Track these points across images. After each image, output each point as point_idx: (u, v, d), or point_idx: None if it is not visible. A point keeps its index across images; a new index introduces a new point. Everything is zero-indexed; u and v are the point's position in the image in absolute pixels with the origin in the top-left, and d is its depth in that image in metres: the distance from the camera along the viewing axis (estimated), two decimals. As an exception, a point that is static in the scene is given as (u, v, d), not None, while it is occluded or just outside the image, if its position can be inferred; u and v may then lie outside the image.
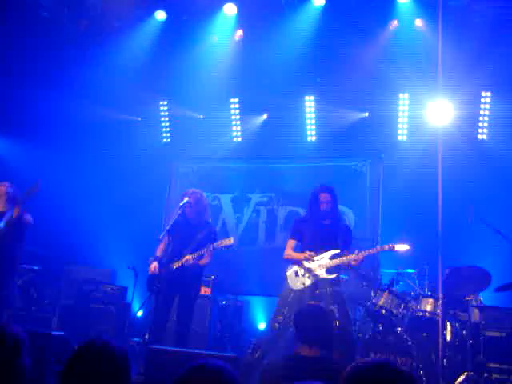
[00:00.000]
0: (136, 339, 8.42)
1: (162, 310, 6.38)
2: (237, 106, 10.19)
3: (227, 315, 9.00)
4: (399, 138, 9.33)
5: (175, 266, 6.41)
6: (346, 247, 6.25)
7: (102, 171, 9.90)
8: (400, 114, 9.31)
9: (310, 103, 9.80)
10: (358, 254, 6.00)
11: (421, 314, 6.66)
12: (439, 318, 6.64)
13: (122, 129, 10.00)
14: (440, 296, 7.01)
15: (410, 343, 6.37)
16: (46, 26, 8.87)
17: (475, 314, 6.69)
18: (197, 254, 6.36)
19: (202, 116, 10.43)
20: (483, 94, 8.78)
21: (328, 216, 6.27)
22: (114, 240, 9.38)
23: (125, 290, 8.75)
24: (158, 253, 6.60)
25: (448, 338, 6.63)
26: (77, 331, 7.08)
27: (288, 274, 6.25)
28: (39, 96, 9.37)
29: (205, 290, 8.71)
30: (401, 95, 9.26)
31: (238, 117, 10.23)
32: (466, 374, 6.12)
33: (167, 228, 6.08)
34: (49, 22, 8.87)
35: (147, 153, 10.02)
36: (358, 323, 7.28)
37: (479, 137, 8.82)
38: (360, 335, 6.74)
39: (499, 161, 8.21)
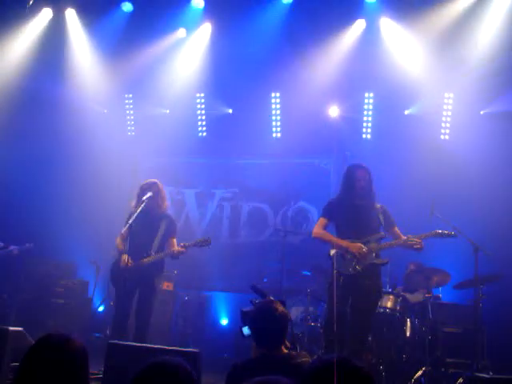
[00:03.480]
0: (97, 334, 8.33)
1: (125, 304, 6.25)
2: (202, 101, 10.15)
3: (190, 310, 8.98)
4: (363, 136, 9.42)
5: (146, 261, 6.29)
6: (388, 227, 5.84)
7: (64, 163, 9.71)
8: (365, 112, 9.40)
9: (275, 100, 9.82)
10: (410, 238, 5.60)
11: (381, 310, 6.76)
12: (399, 315, 6.78)
13: (87, 119, 9.82)
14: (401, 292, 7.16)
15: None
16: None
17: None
18: (174, 251, 6.31)
19: (167, 111, 10.36)
20: (446, 95, 8.93)
21: (365, 195, 5.75)
22: (74, 233, 9.18)
23: (86, 284, 8.64)
24: (121, 246, 6.47)
25: (408, 333, 6.76)
26: (36, 327, 6.90)
27: (332, 254, 5.50)
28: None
29: (167, 285, 8.67)
30: (366, 94, 9.35)
31: (203, 112, 10.20)
32: (424, 368, 6.26)
33: (130, 222, 5.97)
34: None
35: (111, 146, 9.86)
36: (319, 319, 7.36)
37: (442, 137, 8.97)
38: (322, 331, 6.78)
39: (461, 160, 8.36)
